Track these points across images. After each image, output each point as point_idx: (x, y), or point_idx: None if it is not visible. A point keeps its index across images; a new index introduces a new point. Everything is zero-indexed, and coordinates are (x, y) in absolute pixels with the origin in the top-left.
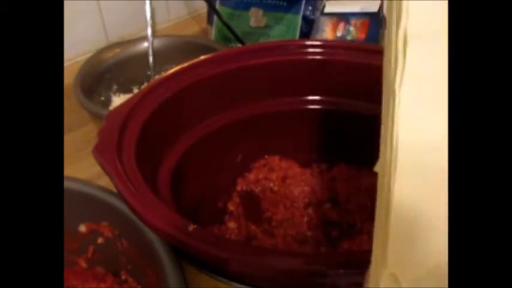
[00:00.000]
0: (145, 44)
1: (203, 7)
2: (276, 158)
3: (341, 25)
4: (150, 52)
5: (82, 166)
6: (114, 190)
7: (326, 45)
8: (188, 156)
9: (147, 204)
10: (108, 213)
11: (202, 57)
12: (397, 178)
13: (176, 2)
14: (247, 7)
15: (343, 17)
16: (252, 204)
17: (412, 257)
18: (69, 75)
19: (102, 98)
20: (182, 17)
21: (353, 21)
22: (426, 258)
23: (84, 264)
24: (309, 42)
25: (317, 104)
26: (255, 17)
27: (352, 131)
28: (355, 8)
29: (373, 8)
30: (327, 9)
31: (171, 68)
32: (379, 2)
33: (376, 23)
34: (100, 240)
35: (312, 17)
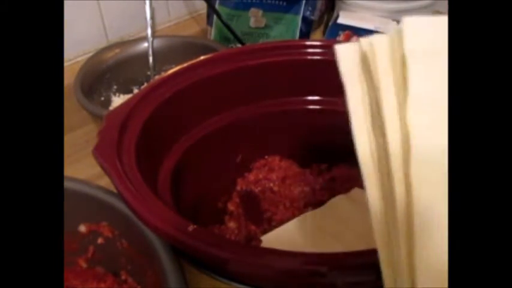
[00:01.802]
0: (145, 44)
1: (203, 7)
2: (276, 158)
3: (354, 39)
4: (150, 52)
5: (82, 166)
6: (114, 190)
7: (326, 45)
8: (188, 157)
9: (147, 204)
10: (108, 213)
11: (202, 57)
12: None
13: (176, 2)
14: (246, 7)
15: (356, 32)
16: (252, 204)
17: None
18: (69, 75)
19: (102, 98)
20: (182, 17)
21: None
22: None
23: (84, 264)
24: (309, 42)
25: (317, 104)
26: (255, 17)
27: None
28: (369, 26)
29: (387, 28)
30: (340, 20)
31: (171, 68)
32: (394, 23)
33: None
34: (100, 240)
35: (312, 17)
